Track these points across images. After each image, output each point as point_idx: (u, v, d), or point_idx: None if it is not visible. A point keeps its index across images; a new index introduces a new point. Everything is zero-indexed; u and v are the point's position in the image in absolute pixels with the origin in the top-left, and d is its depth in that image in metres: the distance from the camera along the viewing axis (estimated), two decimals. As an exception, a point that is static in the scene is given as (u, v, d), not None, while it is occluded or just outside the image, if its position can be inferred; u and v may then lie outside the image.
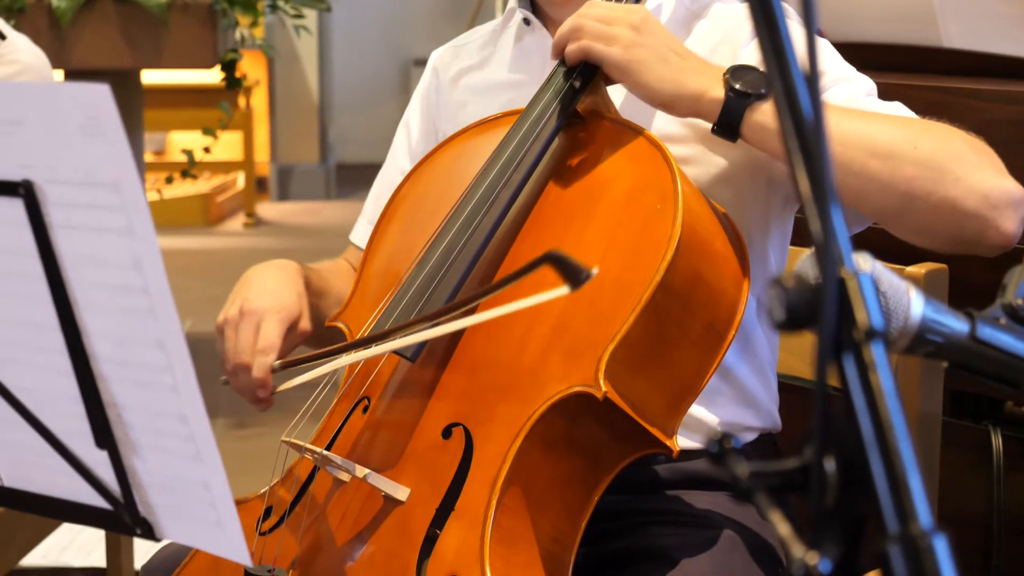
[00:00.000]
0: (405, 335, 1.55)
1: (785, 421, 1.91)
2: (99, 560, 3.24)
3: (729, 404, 1.81)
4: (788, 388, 1.98)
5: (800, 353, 2.08)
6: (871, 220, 1.70)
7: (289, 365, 1.69)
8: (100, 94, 1.08)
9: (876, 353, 0.78)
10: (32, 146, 1.14)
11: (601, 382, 1.49)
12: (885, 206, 1.62)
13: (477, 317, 1.49)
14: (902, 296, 1.10)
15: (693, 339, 1.59)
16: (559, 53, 1.71)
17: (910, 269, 1.83)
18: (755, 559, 1.73)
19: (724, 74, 1.63)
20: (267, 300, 1.74)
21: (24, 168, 1.15)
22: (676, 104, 1.64)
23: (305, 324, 1.77)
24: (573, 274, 1.31)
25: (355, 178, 9.66)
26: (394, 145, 2.09)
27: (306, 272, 1.87)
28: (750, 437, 1.85)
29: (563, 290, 1.31)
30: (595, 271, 1.30)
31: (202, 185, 8.70)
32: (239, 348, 1.71)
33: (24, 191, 1.15)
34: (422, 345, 1.61)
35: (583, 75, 1.71)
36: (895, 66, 2.61)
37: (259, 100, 9.31)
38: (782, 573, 1.77)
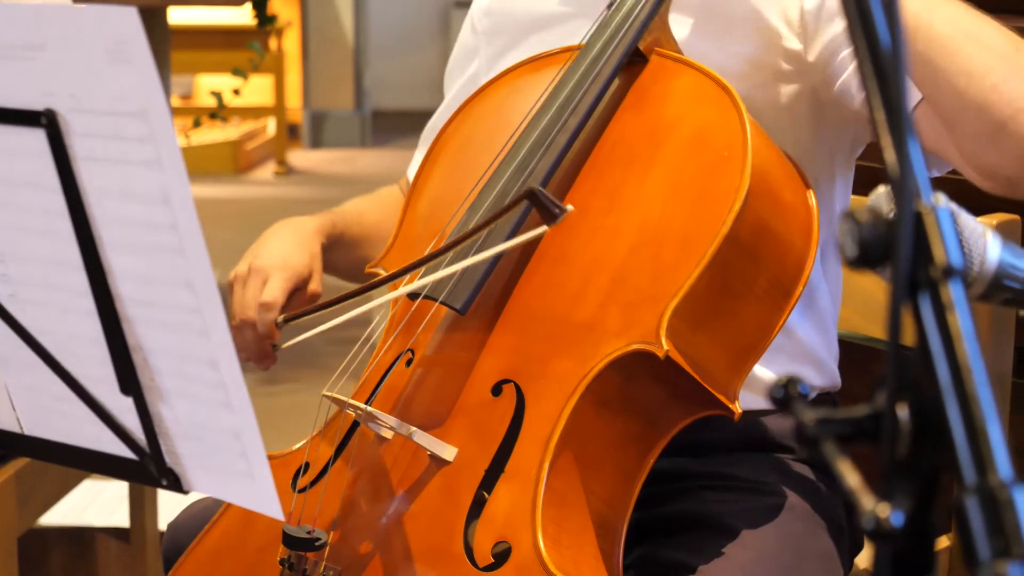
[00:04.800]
0: (403, 281, 1.58)
1: (844, 379, 1.90)
2: (122, 520, 3.26)
3: (789, 362, 1.79)
4: (847, 346, 1.96)
5: (861, 309, 2.06)
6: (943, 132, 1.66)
7: (293, 318, 1.72)
8: (127, 17, 1.07)
9: (954, 292, 0.77)
10: (55, 73, 1.13)
11: (663, 340, 1.48)
12: (970, 104, 1.58)
13: (456, 265, 1.54)
14: (978, 239, 1.09)
15: (758, 295, 1.57)
16: None
17: (980, 219, 1.81)
18: (817, 527, 1.72)
19: None
20: (276, 258, 1.80)
21: (46, 96, 1.14)
22: None
23: (315, 286, 1.84)
24: (547, 210, 1.38)
25: (391, 126, 9.66)
26: (448, 77, 2.07)
27: (334, 227, 1.93)
28: (810, 396, 1.83)
29: (542, 229, 1.40)
30: (570, 208, 1.38)
31: (231, 131, 8.71)
32: (244, 303, 1.77)
33: (47, 121, 1.14)
34: (473, 296, 1.60)
35: None
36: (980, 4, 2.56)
37: (291, 42, 9.30)
38: (843, 540, 1.76)
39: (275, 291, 1.76)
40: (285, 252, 1.82)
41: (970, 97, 1.57)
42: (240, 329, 1.77)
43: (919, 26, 1.58)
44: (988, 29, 1.59)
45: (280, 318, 1.73)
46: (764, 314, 1.58)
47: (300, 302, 1.80)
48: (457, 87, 2.04)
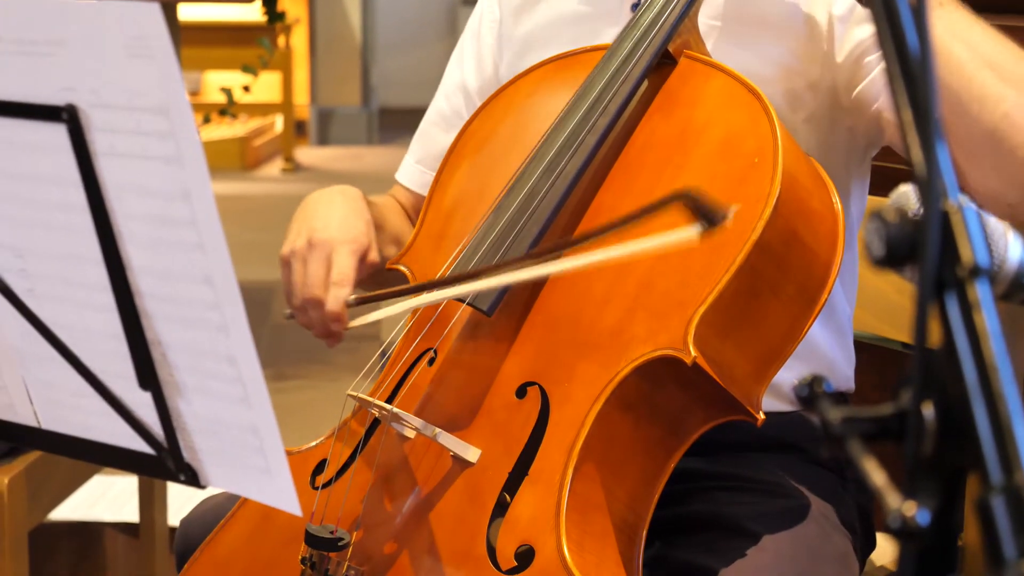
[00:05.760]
0: (490, 277, 1.52)
1: (855, 379, 1.89)
2: (131, 515, 3.26)
3: (804, 367, 1.79)
4: (858, 345, 1.96)
5: (874, 310, 2.06)
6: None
7: (365, 301, 1.64)
8: (149, 13, 1.07)
9: (981, 292, 0.77)
10: (75, 68, 1.13)
11: (691, 347, 1.47)
12: (979, 130, 1.58)
13: (585, 258, 1.46)
14: (999, 238, 1.09)
15: (785, 302, 1.57)
16: None
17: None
18: (832, 529, 1.71)
19: None
20: (336, 230, 1.70)
21: (67, 91, 1.14)
22: None
23: (374, 255, 1.73)
24: (707, 214, 1.29)
25: (398, 123, 9.65)
26: (446, 77, 2.06)
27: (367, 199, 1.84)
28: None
29: (694, 231, 1.30)
30: (732, 211, 1.28)
31: (239, 128, 8.72)
32: (310, 282, 1.67)
33: (68, 116, 1.14)
34: (500, 298, 1.59)
35: None
36: (992, 6, 2.56)
37: (299, 39, 9.30)
38: (857, 541, 1.76)
39: (345, 267, 1.66)
40: (343, 221, 1.72)
41: (982, 123, 1.57)
42: (304, 309, 1.68)
43: (939, 49, 1.57)
44: (1009, 57, 1.59)
45: (352, 298, 1.64)
46: (790, 321, 1.57)
47: (361, 272, 1.71)
48: (461, 68, 2.02)
